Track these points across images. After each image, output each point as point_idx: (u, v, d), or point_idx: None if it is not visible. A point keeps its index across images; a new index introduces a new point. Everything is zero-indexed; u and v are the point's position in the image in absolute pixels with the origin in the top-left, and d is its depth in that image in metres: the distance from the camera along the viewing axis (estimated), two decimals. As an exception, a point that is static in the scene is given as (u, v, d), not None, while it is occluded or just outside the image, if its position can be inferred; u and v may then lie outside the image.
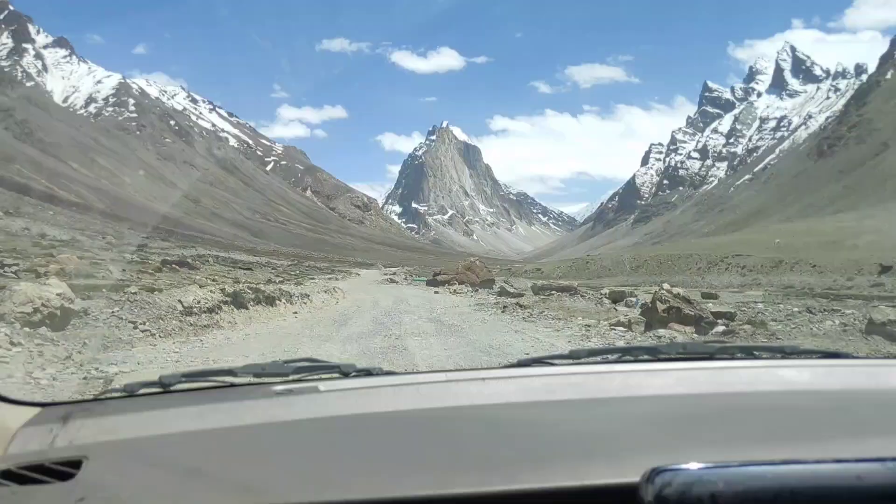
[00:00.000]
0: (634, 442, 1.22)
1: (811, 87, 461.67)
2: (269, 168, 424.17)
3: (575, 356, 1.77)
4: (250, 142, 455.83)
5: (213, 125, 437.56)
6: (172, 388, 1.55)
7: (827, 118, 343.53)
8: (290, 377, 1.62)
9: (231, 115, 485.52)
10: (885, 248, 45.34)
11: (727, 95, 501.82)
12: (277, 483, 1.11)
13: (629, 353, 1.83)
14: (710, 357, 1.76)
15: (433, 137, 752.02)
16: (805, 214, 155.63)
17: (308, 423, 1.34)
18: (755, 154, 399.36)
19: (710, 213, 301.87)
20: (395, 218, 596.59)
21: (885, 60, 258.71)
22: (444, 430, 1.32)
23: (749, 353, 1.82)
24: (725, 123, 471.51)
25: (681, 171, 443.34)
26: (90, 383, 7.07)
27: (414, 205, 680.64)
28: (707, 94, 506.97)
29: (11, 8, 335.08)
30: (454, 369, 1.93)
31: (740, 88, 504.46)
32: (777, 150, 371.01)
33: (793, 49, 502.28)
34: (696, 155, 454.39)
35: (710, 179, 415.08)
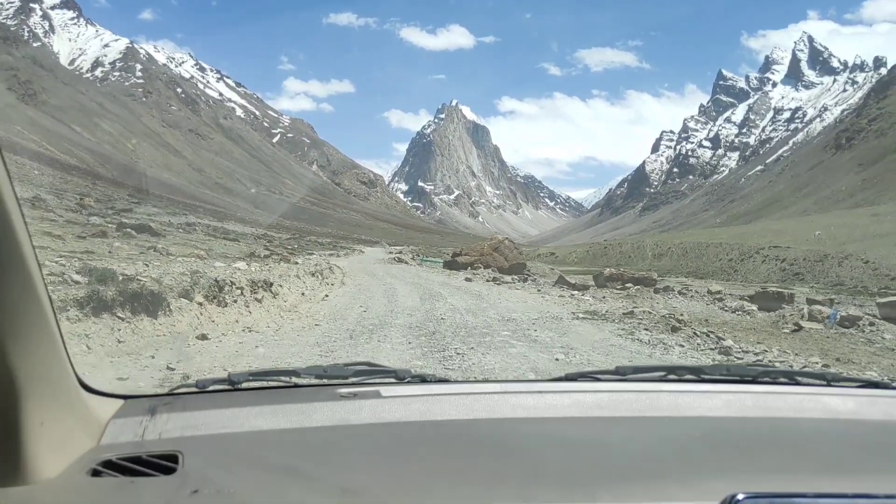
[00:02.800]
0: (698, 464, 1.23)
1: (828, 79, 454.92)
2: (275, 140, 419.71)
3: (621, 373, 1.79)
4: (257, 113, 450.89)
5: (221, 94, 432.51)
6: (240, 385, 1.59)
7: (843, 111, 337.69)
8: (350, 380, 1.65)
9: (238, 84, 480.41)
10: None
11: (741, 84, 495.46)
12: (372, 486, 1.12)
13: (673, 372, 1.84)
14: (754, 380, 1.76)
15: (442, 116, 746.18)
16: (822, 207, 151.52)
17: (376, 428, 1.37)
18: (768, 145, 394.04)
19: (721, 203, 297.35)
20: (401, 196, 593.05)
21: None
22: (512, 441, 1.33)
23: (791, 378, 1.83)
24: (739, 113, 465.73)
25: (691, 160, 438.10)
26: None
27: (420, 183, 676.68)
28: (721, 82, 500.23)
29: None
30: (506, 380, 1.87)
31: (755, 78, 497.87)
32: (791, 142, 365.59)
33: (810, 40, 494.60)
34: (707, 144, 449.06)
35: (721, 169, 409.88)
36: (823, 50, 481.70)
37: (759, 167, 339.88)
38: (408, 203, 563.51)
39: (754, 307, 16.77)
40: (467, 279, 25.29)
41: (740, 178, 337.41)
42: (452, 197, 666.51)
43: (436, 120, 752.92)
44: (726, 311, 16.87)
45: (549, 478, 1.15)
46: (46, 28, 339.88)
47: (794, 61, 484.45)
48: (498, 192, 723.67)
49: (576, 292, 20.38)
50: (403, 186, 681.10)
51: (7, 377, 0.94)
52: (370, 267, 31.34)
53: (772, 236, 58.91)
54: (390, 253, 58.73)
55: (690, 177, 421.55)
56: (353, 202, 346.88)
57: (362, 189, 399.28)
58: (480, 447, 1.30)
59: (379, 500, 1.08)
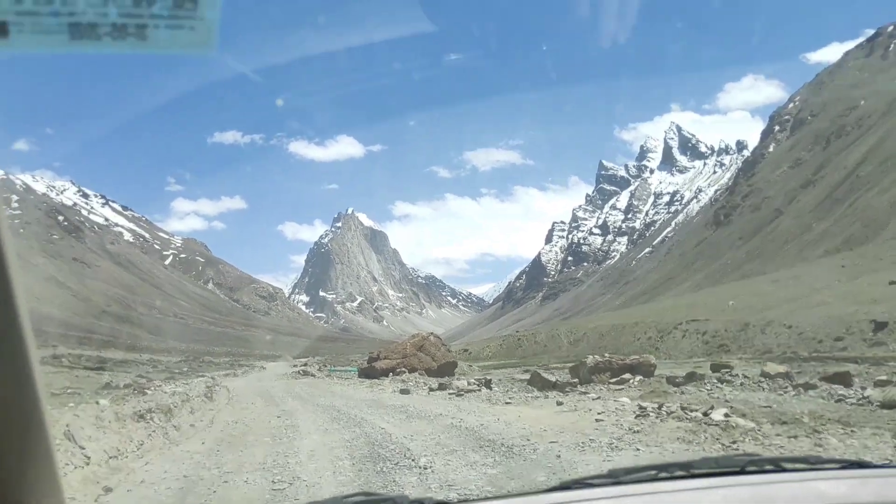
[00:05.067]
0: None
1: (698, 163, 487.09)
2: (167, 262, 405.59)
3: (614, 476, 1.78)
4: (146, 235, 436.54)
5: (107, 219, 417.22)
6: None
7: (716, 191, 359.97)
8: None
9: (126, 208, 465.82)
10: (862, 302, 41.86)
11: (622, 173, 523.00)
12: None
13: (665, 470, 1.84)
14: (742, 470, 1.77)
15: (338, 224, 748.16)
16: (713, 281, 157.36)
17: None
18: (653, 227, 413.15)
19: (616, 285, 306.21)
20: (303, 307, 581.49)
21: (766, 135, 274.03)
22: None
23: (777, 464, 1.84)
24: (623, 200, 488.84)
25: (584, 248, 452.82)
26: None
27: (322, 293, 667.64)
28: (603, 172, 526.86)
29: None
30: (500, 496, 2.02)
31: (633, 166, 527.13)
32: (673, 223, 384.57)
33: (679, 129, 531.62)
34: (597, 231, 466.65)
35: (613, 254, 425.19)
36: (691, 137, 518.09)
37: (647, 249, 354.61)
38: (310, 314, 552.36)
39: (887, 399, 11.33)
40: (403, 391, 19.52)
41: (631, 261, 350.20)
42: (355, 304, 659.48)
43: (333, 229, 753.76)
44: (845, 402, 12.12)
45: None
46: None
47: (667, 149, 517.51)
48: (400, 294, 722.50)
49: (615, 400, 14.00)
50: (305, 298, 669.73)
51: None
52: (268, 385, 26.15)
53: (685, 310, 58.89)
54: (294, 366, 54.58)
55: (585, 264, 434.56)
56: (253, 318, 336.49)
57: (262, 304, 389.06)
58: None
59: None
